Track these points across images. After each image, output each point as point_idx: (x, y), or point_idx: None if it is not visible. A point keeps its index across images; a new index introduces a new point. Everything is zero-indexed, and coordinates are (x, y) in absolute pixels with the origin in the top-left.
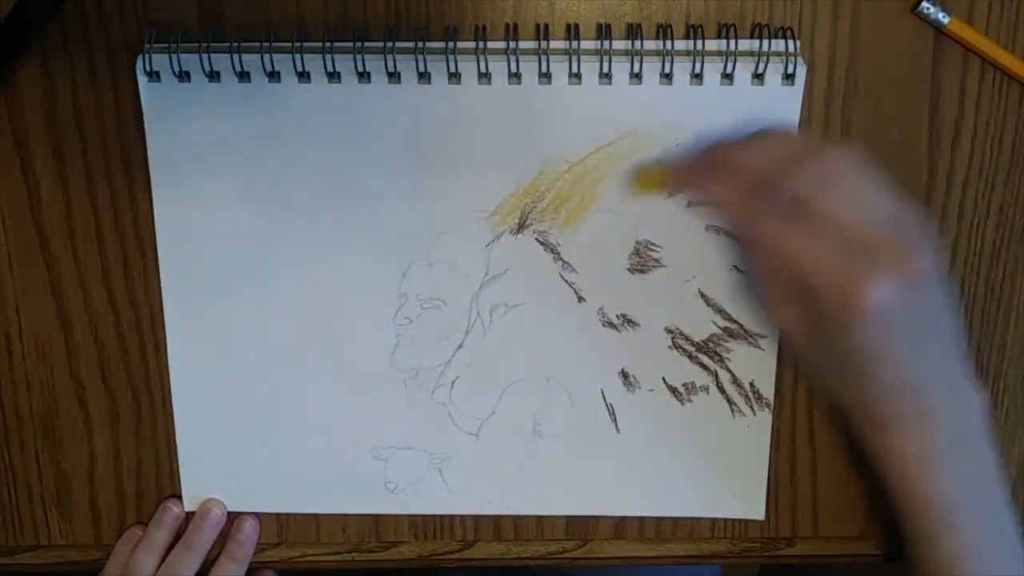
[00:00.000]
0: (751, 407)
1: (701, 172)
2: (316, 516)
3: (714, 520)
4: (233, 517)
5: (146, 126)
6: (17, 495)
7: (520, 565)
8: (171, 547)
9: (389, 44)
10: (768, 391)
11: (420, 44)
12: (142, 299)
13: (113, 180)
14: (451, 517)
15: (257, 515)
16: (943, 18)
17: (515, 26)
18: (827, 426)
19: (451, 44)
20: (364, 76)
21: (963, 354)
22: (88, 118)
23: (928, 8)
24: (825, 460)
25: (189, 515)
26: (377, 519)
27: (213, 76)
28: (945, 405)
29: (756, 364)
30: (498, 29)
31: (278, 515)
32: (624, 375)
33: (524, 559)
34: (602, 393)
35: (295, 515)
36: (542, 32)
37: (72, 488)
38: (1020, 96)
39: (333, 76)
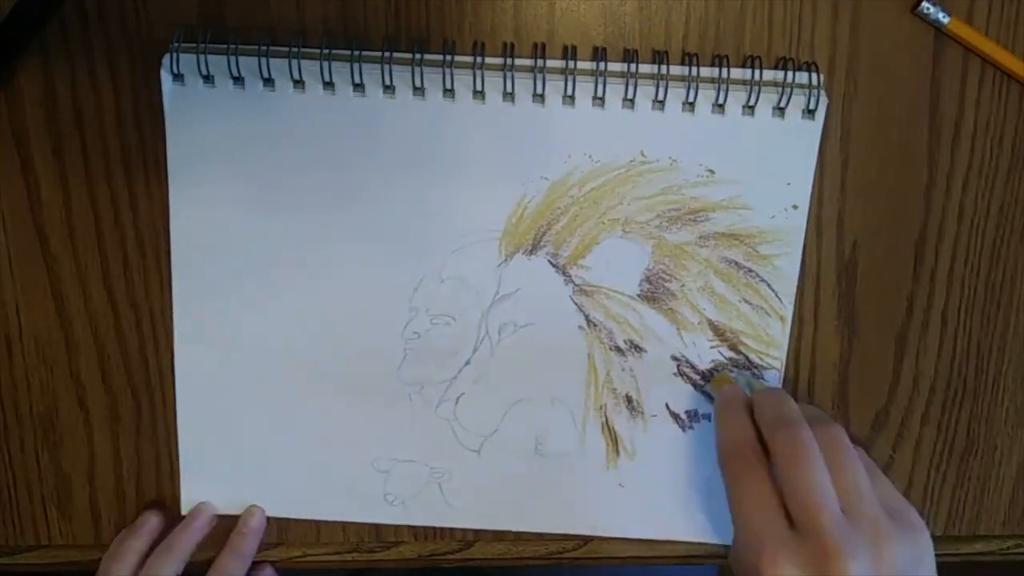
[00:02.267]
0: None
1: (728, 406)
2: None
3: None
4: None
5: (167, 126)
6: (17, 495)
7: (520, 565)
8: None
9: (417, 56)
10: None
11: (448, 58)
12: (142, 299)
13: (113, 180)
14: None
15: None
16: (943, 18)
17: (543, 47)
18: None
19: (479, 59)
20: (389, 89)
21: None
22: (88, 118)
23: (928, 8)
24: None
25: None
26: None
27: (237, 80)
28: None
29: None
30: (525, 48)
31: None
32: (628, 400)
33: (524, 559)
34: (605, 416)
35: None
36: (570, 53)
37: (72, 488)
38: (1020, 96)
39: (358, 88)
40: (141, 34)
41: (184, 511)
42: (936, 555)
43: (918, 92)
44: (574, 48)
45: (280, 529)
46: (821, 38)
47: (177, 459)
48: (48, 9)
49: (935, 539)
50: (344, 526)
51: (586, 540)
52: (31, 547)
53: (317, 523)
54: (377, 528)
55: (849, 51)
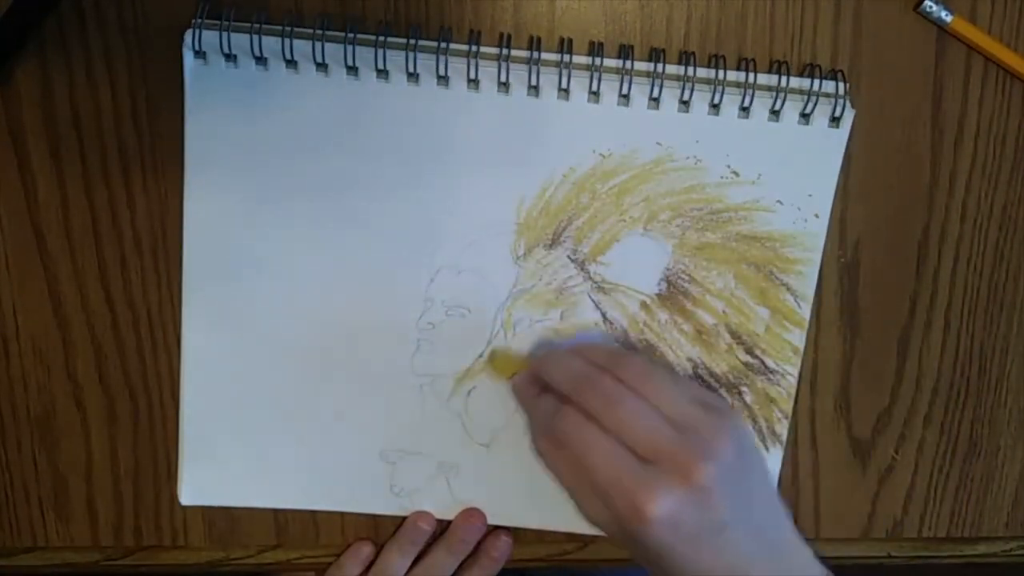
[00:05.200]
0: (764, 444)
1: (528, 383)
2: (315, 518)
3: None
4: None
5: (187, 105)
6: (14, 496)
7: (520, 567)
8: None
9: (443, 45)
10: (782, 429)
11: (474, 48)
12: (139, 299)
13: (111, 180)
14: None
15: (255, 516)
16: (945, 16)
17: (570, 41)
18: (829, 429)
19: (504, 52)
20: (413, 77)
21: (783, 521)
22: (85, 117)
23: (930, 7)
24: (827, 462)
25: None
26: (376, 520)
27: (260, 61)
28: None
29: (774, 402)
30: (552, 42)
31: (276, 517)
32: None
33: (524, 561)
34: None
35: (293, 517)
36: (596, 50)
37: (69, 489)
38: (1023, 94)
39: (382, 74)
40: (139, 33)
41: (184, 502)
42: (938, 556)
43: (921, 91)
44: (601, 45)
45: (278, 530)
46: (823, 37)
47: (175, 459)
48: (45, 7)
49: (937, 541)
50: (343, 527)
51: (586, 542)
52: (28, 549)
53: (316, 524)
54: (376, 529)
55: (851, 50)
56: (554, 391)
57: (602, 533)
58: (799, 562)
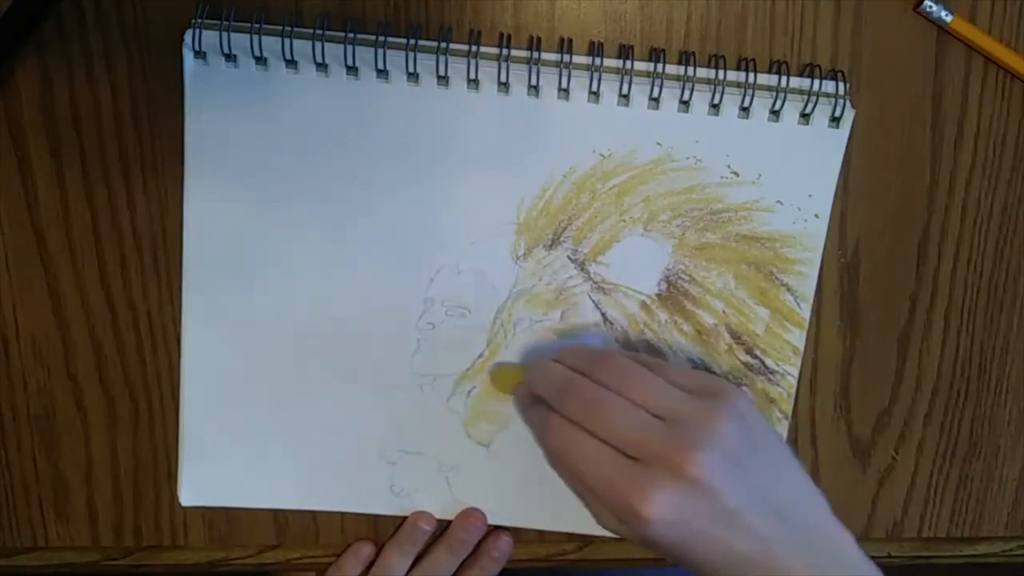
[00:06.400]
0: None
1: (524, 396)
2: (315, 518)
3: None
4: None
5: (186, 106)
6: (14, 497)
7: (520, 567)
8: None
9: (443, 45)
10: (782, 429)
11: (474, 48)
12: (139, 299)
13: (111, 179)
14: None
15: (255, 516)
16: (946, 17)
17: (570, 41)
18: (829, 429)
19: (504, 52)
20: (413, 76)
21: (815, 501)
22: (85, 117)
23: (930, 7)
24: (827, 462)
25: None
26: (376, 520)
27: (260, 61)
28: (801, 556)
29: (774, 402)
30: (552, 42)
31: (276, 517)
32: None
33: (524, 561)
34: None
35: (293, 517)
36: (596, 50)
37: (69, 489)
38: (1023, 95)
39: (382, 74)
40: (139, 33)
41: (184, 502)
42: (938, 556)
43: (921, 91)
44: (600, 45)
45: (278, 530)
46: (823, 37)
47: (175, 459)
48: (45, 7)
49: (937, 541)
50: (343, 527)
51: (586, 542)
52: (28, 549)
53: (316, 524)
54: (376, 529)
55: (851, 50)
56: (544, 401)
57: (613, 535)
58: (836, 545)
